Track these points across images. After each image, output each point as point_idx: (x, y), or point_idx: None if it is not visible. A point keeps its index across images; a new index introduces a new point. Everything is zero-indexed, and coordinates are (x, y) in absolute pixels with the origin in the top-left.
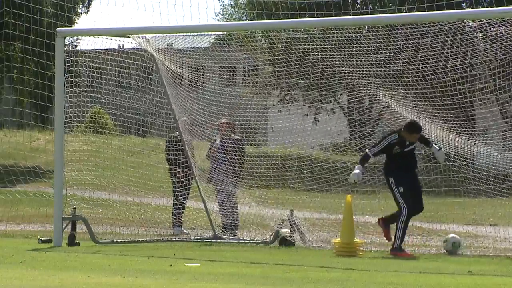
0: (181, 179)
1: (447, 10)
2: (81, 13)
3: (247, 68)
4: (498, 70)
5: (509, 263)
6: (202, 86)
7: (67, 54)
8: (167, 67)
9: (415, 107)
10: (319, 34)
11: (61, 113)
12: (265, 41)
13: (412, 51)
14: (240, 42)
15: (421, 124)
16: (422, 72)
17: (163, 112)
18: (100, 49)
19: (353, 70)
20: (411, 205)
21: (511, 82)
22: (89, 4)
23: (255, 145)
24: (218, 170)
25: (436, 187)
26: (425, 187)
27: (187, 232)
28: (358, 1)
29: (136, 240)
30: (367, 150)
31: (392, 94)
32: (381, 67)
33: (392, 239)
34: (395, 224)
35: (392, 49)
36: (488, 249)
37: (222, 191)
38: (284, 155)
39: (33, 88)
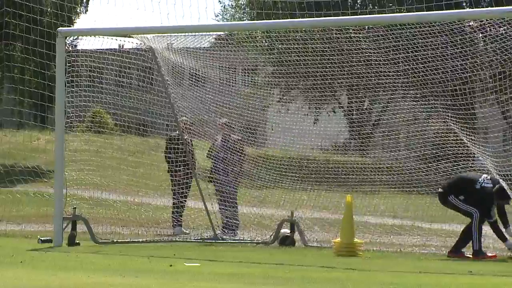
0: (181, 178)
1: (447, 10)
2: (80, 12)
3: (247, 68)
4: (499, 70)
5: (509, 263)
6: (202, 85)
7: (67, 54)
8: (168, 63)
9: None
10: (319, 34)
11: (61, 112)
12: (265, 40)
13: (412, 52)
14: (241, 42)
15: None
16: (422, 73)
17: (163, 112)
18: (100, 49)
19: (353, 70)
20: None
21: (510, 82)
22: (87, 4)
23: (255, 146)
24: (219, 170)
25: (436, 187)
26: (426, 187)
27: (187, 232)
28: (358, 1)
29: (136, 240)
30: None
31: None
32: (381, 67)
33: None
34: (467, 229)
35: (392, 50)
36: (488, 249)
37: (223, 191)
38: (284, 155)
39: (34, 88)
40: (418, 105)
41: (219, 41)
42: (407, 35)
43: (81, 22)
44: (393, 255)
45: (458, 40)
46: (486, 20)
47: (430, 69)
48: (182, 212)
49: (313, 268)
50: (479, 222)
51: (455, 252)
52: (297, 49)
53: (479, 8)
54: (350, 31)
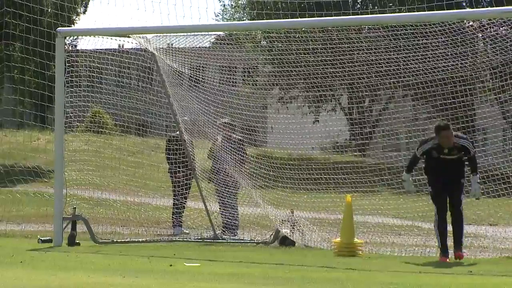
0: (181, 179)
1: (447, 10)
2: (80, 13)
3: (247, 68)
4: (498, 70)
5: (509, 263)
6: (203, 85)
7: (67, 54)
8: (168, 65)
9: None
10: (319, 34)
11: (61, 113)
12: (265, 41)
13: (412, 51)
14: (240, 42)
15: (447, 123)
16: (422, 72)
17: (163, 112)
18: (100, 49)
19: (353, 70)
20: (440, 207)
21: (510, 82)
22: (87, 4)
23: (255, 146)
24: (219, 170)
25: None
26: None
27: (187, 232)
28: (358, 1)
29: (136, 240)
30: (416, 151)
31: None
32: (381, 67)
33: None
34: (456, 224)
35: (392, 50)
36: (488, 249)
37: (223, 191)
38: (284, 155)
39: (34, 88)
40: (418, 105)
41: (219, 41)
42: (407, 35)
43: (81, 22)
44: (393, 255)
45: (458, 40)
46: (488, 20)
47: (430, 69)
48: (182, 212)
49: (313, 268)
50: (437, 221)
51: (457, 247)
52: (297, 49)
53: (479, 8)
54: (351, 31)
